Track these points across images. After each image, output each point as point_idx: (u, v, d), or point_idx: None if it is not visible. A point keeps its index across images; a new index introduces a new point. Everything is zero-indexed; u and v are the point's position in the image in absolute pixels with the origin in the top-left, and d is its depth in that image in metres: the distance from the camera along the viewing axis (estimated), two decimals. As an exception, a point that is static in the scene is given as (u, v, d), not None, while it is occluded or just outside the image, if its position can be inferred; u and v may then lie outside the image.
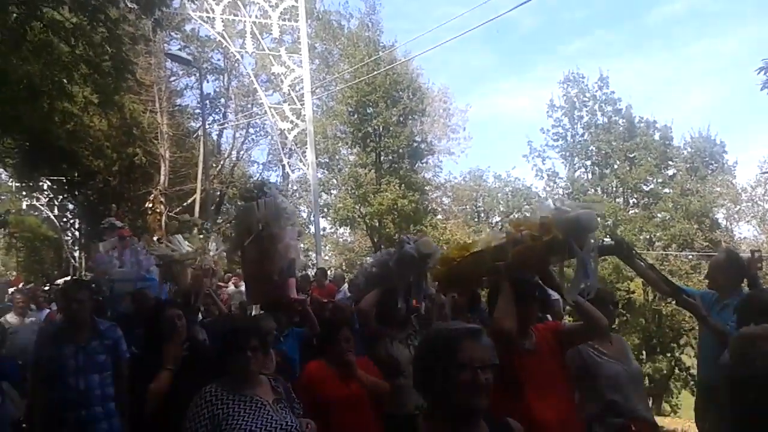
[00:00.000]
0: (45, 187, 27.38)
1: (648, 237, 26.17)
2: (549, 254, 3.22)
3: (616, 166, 26.59)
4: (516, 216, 30.44)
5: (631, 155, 26.23)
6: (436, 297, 4.85)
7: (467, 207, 34.70)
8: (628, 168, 25.99)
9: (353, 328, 4.37)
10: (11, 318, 7.54)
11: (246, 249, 5.55)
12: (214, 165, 27.08)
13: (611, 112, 27.05)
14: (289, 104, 13.81)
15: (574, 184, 27.10)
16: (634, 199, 27.36)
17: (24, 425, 5.88)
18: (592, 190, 26.93)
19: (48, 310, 9.64)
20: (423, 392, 2.06)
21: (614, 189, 27.45)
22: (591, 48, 60.38)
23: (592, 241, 3.14)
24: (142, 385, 3.75)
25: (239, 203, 6.20)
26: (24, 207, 30.76)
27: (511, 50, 63.51)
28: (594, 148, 27.03)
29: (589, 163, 27.66)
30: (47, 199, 28.85)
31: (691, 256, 25.35)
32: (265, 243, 5.37)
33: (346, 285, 9.83)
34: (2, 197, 30.39)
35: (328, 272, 13.54)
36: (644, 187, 26.59)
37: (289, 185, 26.53)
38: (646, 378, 22.06)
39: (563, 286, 3.37)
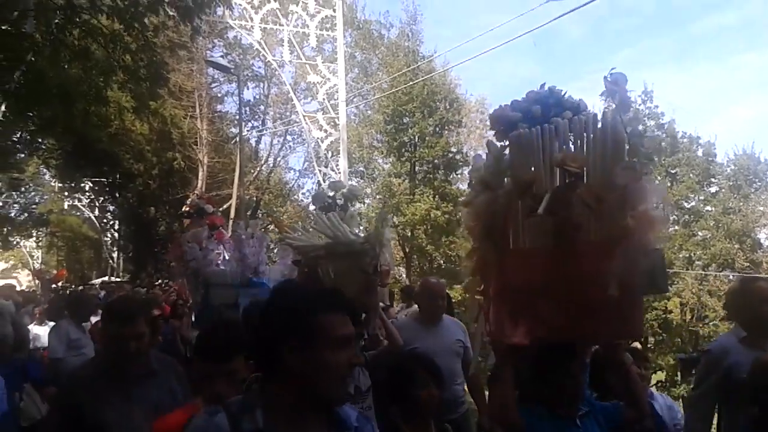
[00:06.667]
0: (87, 188, 28.15)
1: (688, 255, 25.52)
2: None
3: (657, 182, 25.84)
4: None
5: (673, 171, 25.65)
6: None
7: (503, 220, 34.22)
8: (669, 184, 25.35)
9: None
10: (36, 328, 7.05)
11: (531, 227, 2.32)
12: (251, 171, 27.33)
13: (654, 127, 26.45)
14: (324, 113, 13.81)
15: (613, 199, 26.54)
16: (674, 217, 26.64)
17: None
18: (632, 206, 26.32)
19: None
20: None
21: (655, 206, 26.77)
22: (638, 58, 59.16)
23: None
24: None
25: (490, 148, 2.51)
26: (66, 207, 31.65)
27: (556, 60, 62.61)
28: (635, 163, 26.43)
29: (629, 178, 27.03)
30: (88, 200, 29.64)
31: (731, 276, 24.57)
32: (585, 209, 2.19)
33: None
34: (45, 197, 31.28)
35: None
36: (685, 205, 25.96)
37: (324, 194, 26.49)
38: (680, 399, 21.42)
39: None
